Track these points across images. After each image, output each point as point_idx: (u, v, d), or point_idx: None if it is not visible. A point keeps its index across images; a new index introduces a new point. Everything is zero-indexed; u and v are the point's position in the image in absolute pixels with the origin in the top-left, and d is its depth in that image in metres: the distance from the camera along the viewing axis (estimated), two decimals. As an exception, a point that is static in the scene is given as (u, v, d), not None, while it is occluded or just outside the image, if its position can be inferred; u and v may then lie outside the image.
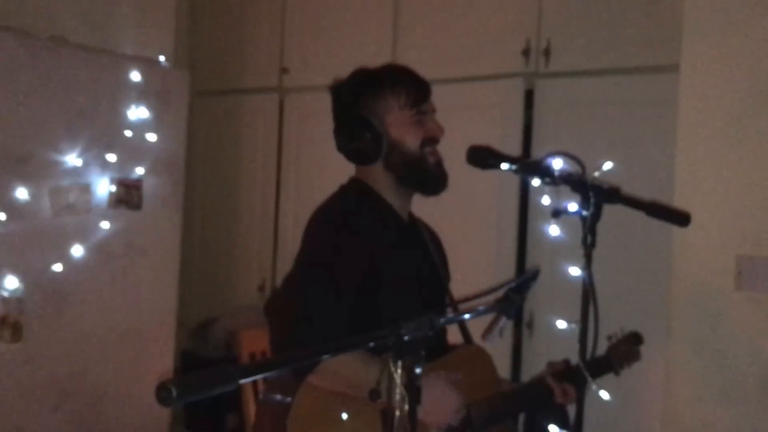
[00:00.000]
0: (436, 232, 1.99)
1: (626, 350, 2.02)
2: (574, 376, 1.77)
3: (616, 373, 1.98)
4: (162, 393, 0.76)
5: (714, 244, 2.22)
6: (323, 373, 1.56)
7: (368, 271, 1.65)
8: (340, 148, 1.77)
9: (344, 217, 1.70)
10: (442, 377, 1.61)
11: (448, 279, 1.95)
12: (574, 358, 1.90)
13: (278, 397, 1.67)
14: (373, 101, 1.73)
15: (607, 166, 1.52)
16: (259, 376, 0.88)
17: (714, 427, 2.21)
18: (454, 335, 1.94)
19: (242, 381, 0.82)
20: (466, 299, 1.75)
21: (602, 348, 1.91)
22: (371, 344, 1.12)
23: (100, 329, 3.02)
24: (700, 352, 2.24)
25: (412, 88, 1.76)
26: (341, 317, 1.57)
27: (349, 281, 1.61)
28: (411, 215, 1.87)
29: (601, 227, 1.48)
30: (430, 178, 1.76)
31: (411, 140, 1.73)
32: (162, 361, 3.21)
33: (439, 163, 1.77)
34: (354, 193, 1.78)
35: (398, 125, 1.73)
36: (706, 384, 2.23)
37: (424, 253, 1.86)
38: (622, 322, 2.16)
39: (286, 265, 3.66)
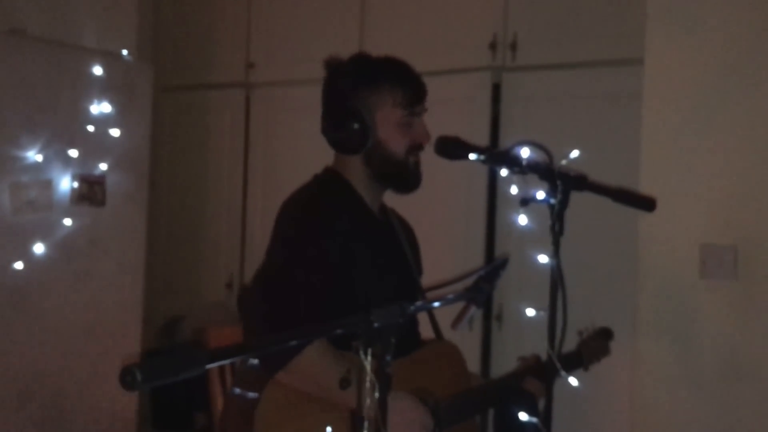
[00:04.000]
0: (410, 224, 1.98)
1: (596, 346, 2.04)
2: (545, 373, 1.78)
3: (585, 369, 2.00)
4: (126, 377, 0.73)
5: (678, 233, 2.25)
6: (292, 372, 1.53)
7: (340, 262, 1.63)
8: (324, 132, 1.73)
9: (316, 207, 1.67)
10: (409, 395, 1.58)
11: (420, 272, 1.94)
12: (545, 351, 1.92)
13: (246, 392, 1.65)
14: (368, 92, 1.69)
15: (575, 154, 1.53)
16: (225, 361, 0.86)
17: (681, 413, 2.24)
18: (426, 331, 1.93)
19: (209, 366, 0.81)
20: (436, 287, 1.75)
21: (571, 342, 1.92)
22: (339, 331, 1.11)
23: (64, 328, 2.96)
24: (666, 340, 2.27)
25: (410, 88, 1.73)
26: (314, 306, 1.55)
27: (321, 271, 1.59)
28: (383, 207, 1.86)
29: (568, 219, 1.48)
30: (407, 180, 1.76)
31: (396, 144, 1.71)
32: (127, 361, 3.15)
33: (417, 164, 1.76)
34: (326, 184, 1.76)
35: (387, 124, 1.70)
36: (672, 371, 2.25)
37: (395, 246, 1.85)
38: (589, 311, 2.19)
39: (254, 261, 3.62)
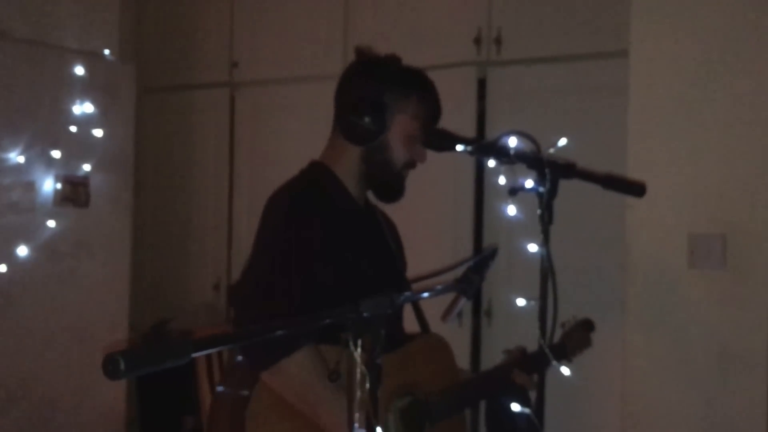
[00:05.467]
0: (393, 222, 1.97)
1: (579, 337, 2.04)
2: (531, 365, 1.78)
3: (569, 360, 1.98)
4: (109, 365, 0.71)
5: (666, 223, 2.25)
6: (278, 374, 1.51)
7: (327, 254, 1.62)
8: (340, 112, 1.74)
9: (302, 200, 1.67)
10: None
11: (405, 267, 1.94)
12: (535, 344, 1.91)
13: (237, 390, 1.62)
14: (398, 94, 1.71)
15: (563, 142, 1.52)
16: (212, 350, 0.84)
17: (671, 404, 2.24)
18: (412, 325, 1.91)
19: (195, 354, 0.79)
20: (425, 278, 1.74)
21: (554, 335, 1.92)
22: (328, 321, 1.09)
23: (49, 332, 2.93)
24: (655, 329, 2.27)
25: (434, 108, 1.77)
26: (303, 298, 1.54)
27: (309, 263, 1.59)
28: (368, 203, 1.86)
29: (556, 210, 1.47)
30: (393, 191, 1.78)
31: (399, 154, 1.73)
32: (114, 364, 3.11)
33: (404, 180, 1.79)
34: (312, 177, 1.75)
35: (399, 131, 1.71)
36: (662, 361, 2.25)
37: (380, 240, 1.85)
38: (578, 302, 2.17)
39: (241, 262, 3.57)
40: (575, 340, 2.01)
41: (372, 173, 1.74)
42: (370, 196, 1.86)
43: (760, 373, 2.13)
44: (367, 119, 1.67)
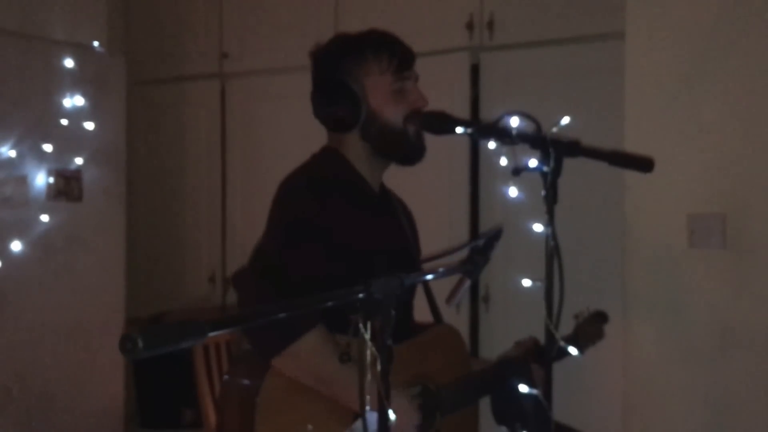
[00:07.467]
0: (408, 207, 1.93)
1: (592, 329, 2.02)
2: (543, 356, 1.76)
3: (581, 352, 1.95)
4: (127, 344, 0.70)
5: (666, 203, 2.25)
6: (289, 358, 1.49)
7: (338, 241, 1.59)
8: (316, 113, 1.69)
9: (314, 186, 1.63)
10: (400, 393, 1.54)
11: (419, 251, 1.89)
12: (532, 332, 1.90)
13: (246, 379, 1.60)
14: (352, 65, 1.65)
15: (565, 120, 1.51)
16: (227, 330, 0.83)
17: (674, 384, 2.24)
18: (424, 314, 1.90)
19: (211, 334, 0.77)
20: (429, 260, 1.72)
21: (565, 326, 1.90)
22: (334, 303, 1.08)
23: (45, 328, 2.90)
24: (656, 310, 2.27)
25: (395, 53, 1.68)
26: (312, 284, 1.50)
27: (319, 250, 1.56)
28: (383, 186, 1.81)
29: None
30: (409, 151, 1.70)
31: (391, 113, 1.66)
32: (111, 359, 3.10)
33: (419, 135, 1.69)
34: (324, 163, 1.72)
35: (378, 92, 1.65)
36: (663, 341, 2.26)
37: (394, 224, 1.81)
38: (578, 284, 2.17)
39: (236, 254, 3.58)
40: (588, 332, 1.98)
41: (379, 147, 1.68)
42: (387, 179, 1.82)
43: (761, 352, 2.13)
44: (340, 104, 1.63)
